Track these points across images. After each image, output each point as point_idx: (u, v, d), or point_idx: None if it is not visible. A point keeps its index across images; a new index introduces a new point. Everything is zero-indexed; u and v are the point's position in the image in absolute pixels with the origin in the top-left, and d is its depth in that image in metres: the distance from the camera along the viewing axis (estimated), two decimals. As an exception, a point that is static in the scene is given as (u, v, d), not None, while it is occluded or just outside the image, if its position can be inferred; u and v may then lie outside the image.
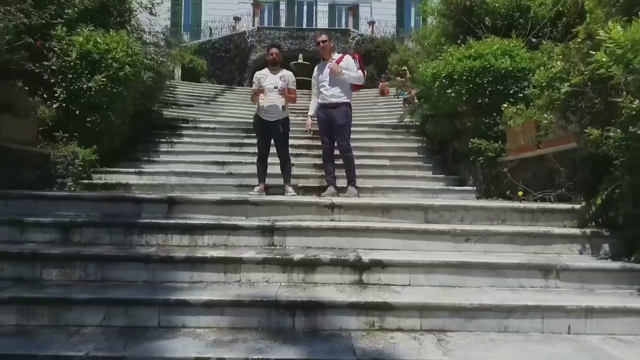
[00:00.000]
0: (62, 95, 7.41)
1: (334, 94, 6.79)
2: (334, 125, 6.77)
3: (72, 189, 7.05)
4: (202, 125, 10.24)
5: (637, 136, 3.57)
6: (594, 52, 4.29)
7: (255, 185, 6.97)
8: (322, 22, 30.99)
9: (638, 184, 3.96)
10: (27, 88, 7.00)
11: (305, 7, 32.39)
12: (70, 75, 7.40)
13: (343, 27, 31.39)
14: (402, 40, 31.13)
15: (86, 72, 7.46)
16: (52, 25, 7.48)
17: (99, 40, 7.63)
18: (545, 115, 5.20)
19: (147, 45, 9.27)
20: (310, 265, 3.65)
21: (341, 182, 6.83)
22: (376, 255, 3.78)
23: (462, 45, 8.35)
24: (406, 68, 18.58)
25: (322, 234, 4.13)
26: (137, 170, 7.80)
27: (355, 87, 6.95)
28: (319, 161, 8.10)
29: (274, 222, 4.24)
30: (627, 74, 3.72)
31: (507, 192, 6.94)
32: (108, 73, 7.51)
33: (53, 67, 7.42)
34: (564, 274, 3.69)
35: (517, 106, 6.73)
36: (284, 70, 7.17)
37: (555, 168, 5.91)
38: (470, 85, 7.22)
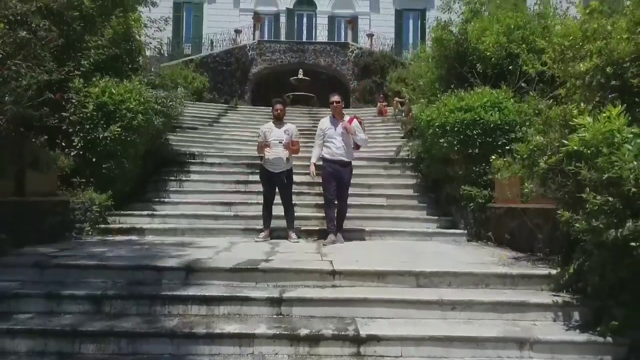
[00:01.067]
0: (79, 144, 7.94)
1: (343, 153, 7.36)
2: (341, 181, 7.32)
3: (90, 233, 7.57)
4: (208, 160, 10.75)
5: (600, 229, 4.09)
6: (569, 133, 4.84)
7: (261, 231, 7.51)
8: (322, 35, 31.51)
9: (604, 260, 4.48)
10: (46, 137, 7.51)
11: (305, 19, 32.91)
12: (88, 126, 7.93)
13: (342, 40, 31.92)
14: (400, 54, 31.72)
15: (102, 122, 7.99)
16: (70, 78, 8.00)
17: (114, 91, 8.16)
18: (526, 184, 5.71)
19: (157, 89, 9.76)
20: (314, 339, 4.18)
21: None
22: (373, 328, 4.32)
23: (455, 90, 8.92)
24: (404, 89, 19.10)
25: (324, 304, 4.65)
26: (150, 212, 8.33)
27: (355, 147, 7.49)
28: (320, 201, 8.53)
29: (281, 292, 4.75)
30: (590, 172, 4.24)
31: (496, 236, 7.51)
32: (122, 123, 8.03)
33: (71, 118, 7.94)
34: (536, 346, 4.22)
35: (505, 158, 7.25)
36: (288, 123, 7.71)
37: (538, 223, 6.45)
38: (462, 137, 7.75)
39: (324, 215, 7.81)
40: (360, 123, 7.63)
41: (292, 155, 7.66)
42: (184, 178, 9.80)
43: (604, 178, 4.14)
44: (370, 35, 31.27)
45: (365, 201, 9.11)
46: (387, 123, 18.18)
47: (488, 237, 7.73)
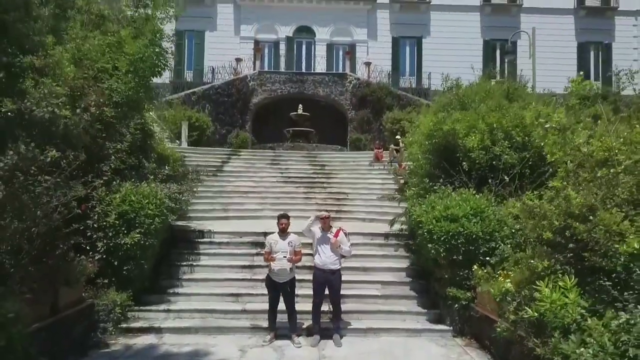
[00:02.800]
0: (102, 249, 8.78)
1: (332, 262, 8.24)
2: (331, 287, 8.22)
3: (113, 333, 8.44)
4: (216, 239, 11.55)
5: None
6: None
7: (267, 334, 8.38)
8: (321, 62, 32.32)
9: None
10: (72, 242, 8.35)
11: (304, 47, 33.72)
12: (110, 233, 8.77)
13: (341, 67, 32.80)
14: (397, 81, 32.60)
15: (123, 228, 8.84)
16: (93, 187, 8.84)
17: (133, 199, 9.00)
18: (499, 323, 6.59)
19: (170, 181, 10.59)
20: None
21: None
22: None
23: (444, 187, 9.81)
24: (399, 137, 19.99)
25: None
26: (165, 308, 9.20)
27: (341, 255, 8.37)
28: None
29: None
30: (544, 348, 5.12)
31: (478, 337, 8.38)
32: (142, 229, 8.88)
33: (95, 226, 8.79)
34: None
35: (485, 270, 8.12)
36: (292, 235, 8.53)
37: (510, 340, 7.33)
38: (447, 245, 8.62)
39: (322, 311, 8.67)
40: (345, 235, 8.49)
41: (296, 263, 8.46)
42: (194, 263, 10.63)
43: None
44: (368, 64, 32.16)
45: (362, 290, 9.97)
46: (382, 171, 19.01)
47: (472, 335, 8.61)
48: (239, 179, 18.21)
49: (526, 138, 10.22)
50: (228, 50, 33.01)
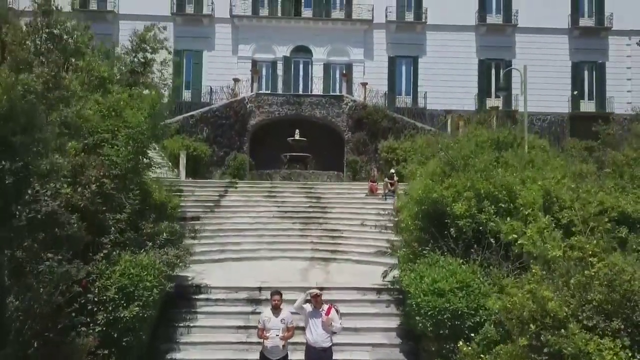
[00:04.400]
0: (102, 322, 9.14)
1: (324, 340, 8.58)
2: None
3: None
4: (212, 295, 11.88)
5: None
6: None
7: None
8: (318, 87, 32.67)
9: None
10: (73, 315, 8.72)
11: (301, 66, 34.09)
12: (110, 307, 9.13)
13: (337, 86, 33.20)
14: (393, 101, 32.95)
15: (123, 302, 9.19)
16: (94, 262, 9.21)
17: (132, 272, 9.36)
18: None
19: (168, 245, 10.93)
20: None
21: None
22: None
23: (432, 252, 10.21)
24: (393, 171, 20.38)
25: None
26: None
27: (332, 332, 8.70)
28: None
29: None
30: None
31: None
32: (140, 302, 9.24)
33: (95, 300, 9.15)
34: None
35: (470, 346, 8.50)
36: (285, 311, 8.86)
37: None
38: (434, 320, 8.99)
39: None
40: (337, 312, 8.82)
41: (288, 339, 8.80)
42: (191, 324, 10.95)
43: None
44: (364, 84, 32.55)
45: (353, 353, 10.34)
46: (377, 205, 19.33)
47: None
48: (236, 214, 18.56)
49: (511, 205, 10.57)
50: (226, 69, 33.41)
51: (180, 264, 11.03)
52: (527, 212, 10.17)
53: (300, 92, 33.37)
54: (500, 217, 10.48)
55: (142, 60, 15.55)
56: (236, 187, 20.78)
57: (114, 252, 9.59)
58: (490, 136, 14.81)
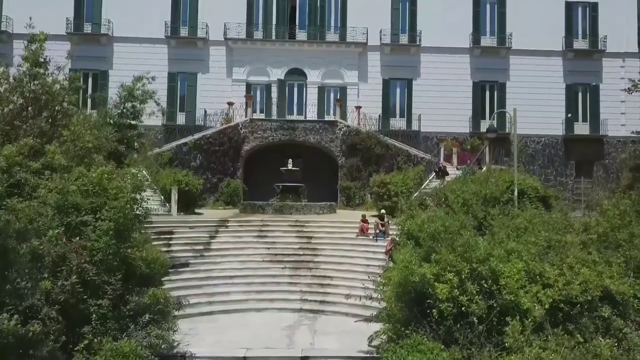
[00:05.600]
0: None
1: None
2: None
3: None
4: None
5: None
6: None
7: None
8: (312, 112, 32.71)
9: None
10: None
11: (295, 89, 34.10)
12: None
13: (331, 112, 33.23)
14: (387, 124, 32.96)
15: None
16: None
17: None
18: None
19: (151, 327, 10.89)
20: None
21: None
22: None
23: (414, 334, 10.24)
24: (384, 211, 20.40)
25: None
26: None
27: None
28: None
29: None
30: None
31: None
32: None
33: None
34: None
35: None
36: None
37: None
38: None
39: None
40: None
41: None
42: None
43: None
44: (358, 108, 32.58)
45: None
46: (367, 247, 19.35)
47: None
48: (226, 258, 18.64)
49: (494, 286, 10.59)
50: (220, 92, 33.38)
51: (164, 346, 11.02)
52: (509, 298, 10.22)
53: (295, 114, 33.47)
54: (483, 296, 10.51)
55: (131, 110, 15.54)
56: (227, 227, 20.81)
57: (95, 340, 9.60)
58: (478, 192, 14.86)
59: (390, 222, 19.75)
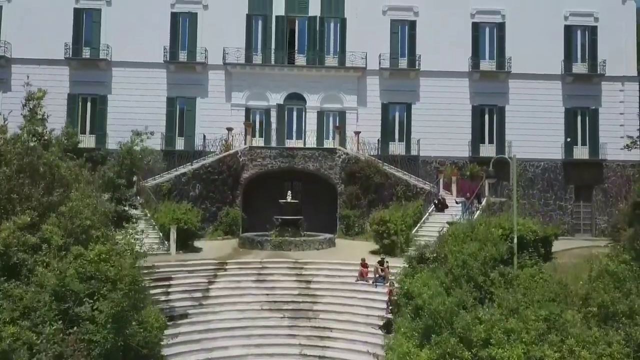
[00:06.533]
0: None
1: None
2: None
3: None
4: None
5: None
6: None
7: None
8: (311, 137, 32.69)
9: None
10: None
11: (294, 113, 34.07)
12: None
13: (330, 136, 33.26)
14: (386, 148, 32.92)
15: None
16: None
17: None
18: None
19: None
20: None
21: None
22: None
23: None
24: (384, 257, 20.40)
25: None
26: None
27: None
28: None
29: None
30: None
31: None
32: None
33: None
34: None
35: None
36: None
37: None
38: None
39: None
40: None
41: None
42: None
43: None
44: (357, 133, 32.55)
45: None
46: (367, 294, 19.35)
47: None
48: (225, 307, 18.66)
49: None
50: (219, 117, 33.33)
51: None
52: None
53: (294, 139, 33.49)
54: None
55: (128, 168, 15.49)
56: (225, 270, 20.78)
57: None
58: (476, 253, 14.84)
59: (389, 267, 19.74)
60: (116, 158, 15.77)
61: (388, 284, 18.71)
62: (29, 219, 11.64)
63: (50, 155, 12.64)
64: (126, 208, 15.70)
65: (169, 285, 19.08)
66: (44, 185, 12.53)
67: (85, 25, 33.77)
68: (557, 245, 20.71)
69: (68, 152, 15.26)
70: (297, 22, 34.29)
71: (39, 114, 15.34)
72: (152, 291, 16.48)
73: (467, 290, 13.08)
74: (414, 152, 33.66)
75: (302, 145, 32.11)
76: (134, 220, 15.99)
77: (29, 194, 12.32)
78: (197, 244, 24.97)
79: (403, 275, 16.17)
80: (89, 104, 33.59)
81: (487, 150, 34.04)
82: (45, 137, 14.57)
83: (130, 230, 13.57)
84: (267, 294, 19.34)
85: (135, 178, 23.50)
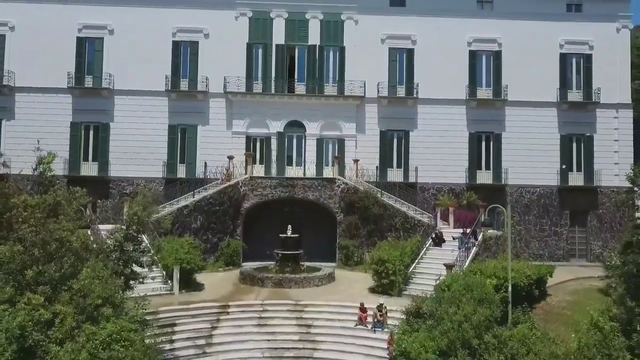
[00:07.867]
0: None
1: None
2: None
3: None
4: None
5: None
6: None
7: None
8: (311, 165, 33.26)
9: None
10: None
11: (294, 141, 34.60)
12: None
13: (330, 163, 33.74)
14: (385, 175, 33.49)
15: None
16: None
17: None
18: None
19: None
20: None
21: None
22: None
23: None
24: (383, 302, 20.98)
25: None
26: None
27: None
28: None
29: None
30: None
31: None
32: None
33: None
34: None
35: None
36: None
37: None
38: None
39: None
40: None
41: None
42: None
43: None
44: (356, 161, 33.14)
45: None
46: (366, 340, 19.95)
47: None
48: (227, 354, 19.25)
49: None
50: (220, 144, 33.90)
51: None
52: None
53: (294, 165, 34.05)
54: None
55: (135, 232, 16.12)
56: (228, 313, 21.35)
57: None
58: (471, 315, 15.44)
59: (387, 313, 20.35)
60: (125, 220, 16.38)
61: (387, 330, 19.37)
62: (42, 299, 12.22)
63: (63, 232, 13.19)
64: (134, 269, 16.26)
65: (173, 332, 19.66)
66: (56, 259, 13.11)
67: (88, 54, 34.20)
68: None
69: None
70: (296, 50, 34.81)
71: (48, 176, 15.95)
72: (157, 339, 17.03)
73: (461, 359, 13.71)
74: (412, 179, 34.23)
75: (302, 175, 32.67)
76: (141, 278, 16.56)
77: (42, 270, 12.87)
78: (199, 277, 25.48)
79: (401, 332, 16.77)
80: (91, 132, 34.03)
81: (484, 176, 34.67)
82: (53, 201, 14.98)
83: (140, 301, 14.15)
84: (269, 340, 19.94)
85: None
